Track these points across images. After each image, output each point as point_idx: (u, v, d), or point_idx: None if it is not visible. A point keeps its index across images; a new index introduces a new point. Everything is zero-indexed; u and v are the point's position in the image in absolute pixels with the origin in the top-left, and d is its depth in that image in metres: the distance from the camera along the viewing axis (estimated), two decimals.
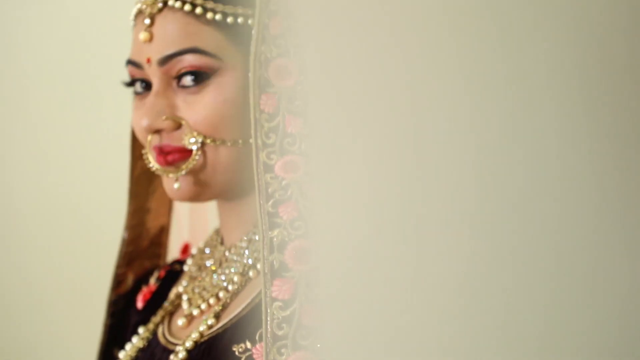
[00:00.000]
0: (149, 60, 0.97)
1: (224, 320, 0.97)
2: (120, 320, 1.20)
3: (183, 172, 0.97)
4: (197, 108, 0.96)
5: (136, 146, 1.16)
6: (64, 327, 1.73)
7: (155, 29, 0.97)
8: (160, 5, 0.97)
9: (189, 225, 1.26)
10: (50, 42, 1.73)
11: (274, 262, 0.87)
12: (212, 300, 1.01)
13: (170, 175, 0.97)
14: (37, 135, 1.77)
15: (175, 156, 0.97)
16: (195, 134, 0.96)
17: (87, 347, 1.25)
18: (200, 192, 0.99)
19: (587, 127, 0.67)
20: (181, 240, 1.26)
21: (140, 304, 1.17)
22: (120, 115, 1.31)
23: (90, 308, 1.36)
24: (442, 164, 0.70)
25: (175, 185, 0.97)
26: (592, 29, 0.67)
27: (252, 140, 0.91)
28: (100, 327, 1.19)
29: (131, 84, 1.03)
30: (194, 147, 0.96)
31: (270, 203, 0.90)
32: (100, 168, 1.70)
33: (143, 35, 0.97)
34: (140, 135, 1.01)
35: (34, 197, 1.77)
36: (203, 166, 0.97)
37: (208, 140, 0.96)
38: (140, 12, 1.00)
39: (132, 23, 1.03)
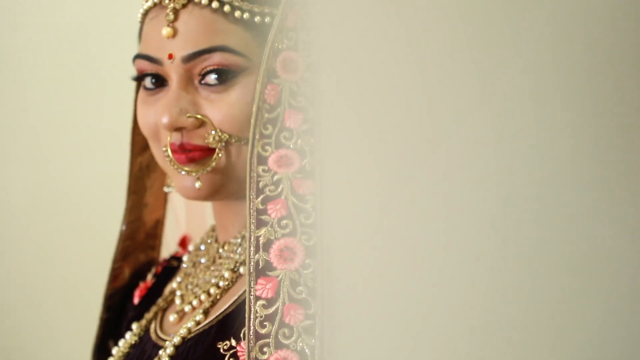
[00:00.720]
0: (171, 56, 0.94)
1: (211, 317, 0.97)
2: (117, 314, 1.21)
3: (205, 170, 0.95)
4: (222, 106, 0.94)
5: (135, 143, 1.15)
6: (60, 322, 1.74)
7: (180, 25, 0.94)
8: (184, 0, 0.94)
9: (185, 217, 1.26)
10: (46, 38, 1.72)
11: (259, 261, 0.87)
12: (203, 297, 1.01)
13: (193, 173, 0.95)
14: (32, 132, 1.76)
15: (195, 154, 0.95)
16: (219, 132, 0.94)
17: (83, 340, 1.26)
18: (218, 190, 0.98)
19: (595, 128, 0.66)
20: (179, 232, 1.26)
21: (136, 300, 1.18)
22: (115, 113, 1.31)
23: (86, 302, 1.37)
24: (448, 167, 0.69)
25: (197, 184, 0.96)
26: (606, 26, 0.66)
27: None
28: (95, 321, 1.19)
29: (139, 78, 1.00)
30: (218, 146, 0.94)
31: (260, 199, 0.90)
32: (95, 164, 1.70)
33: (166, 31, 0.94)
34: (149, 131, 0.99)
35: (29, 193, 1.77)
36: (225, 165, 0.96)
37: (233, 140, 0.95)
38: (156, 6, 0.97)
39: (140, 17, 1.00)
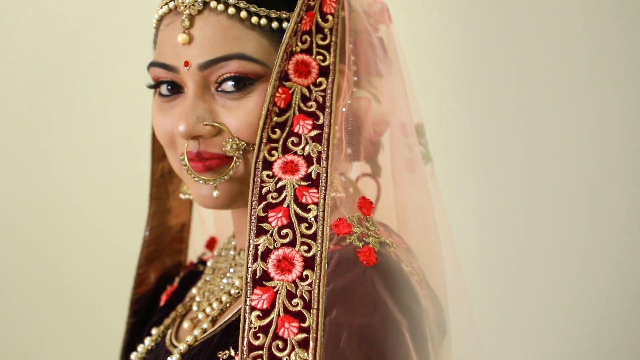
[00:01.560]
0: (187, 64, 0.92)
1: (216, 325, 0.97)
2: (145, 318, 1.21)
3: (223, 179, 0.93)
4: (240, 114, 0.92)
5: (156, 149, 1.15)
6: (82, 327, 1.75)
7: (195, 32, 0.92)
8: (200, 6, 0.92)
9: (214, 220, 1.25)
10: (58, 42, 1.72)
11: (257, 271, 0.86)
12: (215, 304, 1.01)
13: (211, 182, 0.93)
14: (45, 136, 1.77)
15: (213, 162, 0.94)
16: (236, 140, 0.92)
17: (111, 344, 1.27)
18: (236, 199, 0.96)
19: None
20: (205, 234, 1.26)
21: (162, 303, 1.19)
22: (135, 117, 1.32)
23: (110, 307, 1.38)
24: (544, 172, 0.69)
25: (215, 193, 0.94)
26: None
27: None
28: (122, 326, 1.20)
29: (155, 86, 0.98)
30: (236, 154, 0.93)
31: (261, 206, 0.88)
32: (113, 168, 1.70)
33: (182, 38, 0.92)
34: (165, 139, 0.97)
35: (35, 197, 1.78)
36: (243, 173, 0.94)
37: (250, 148, 0.93)
38: (171, 12, 0.95)
39: (155, 23, 0.98)
